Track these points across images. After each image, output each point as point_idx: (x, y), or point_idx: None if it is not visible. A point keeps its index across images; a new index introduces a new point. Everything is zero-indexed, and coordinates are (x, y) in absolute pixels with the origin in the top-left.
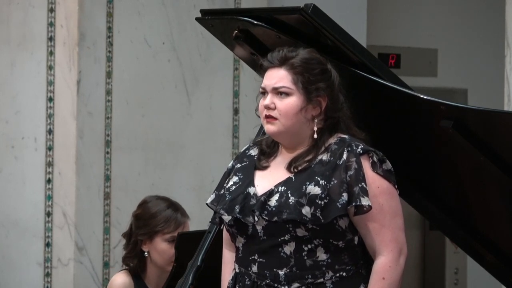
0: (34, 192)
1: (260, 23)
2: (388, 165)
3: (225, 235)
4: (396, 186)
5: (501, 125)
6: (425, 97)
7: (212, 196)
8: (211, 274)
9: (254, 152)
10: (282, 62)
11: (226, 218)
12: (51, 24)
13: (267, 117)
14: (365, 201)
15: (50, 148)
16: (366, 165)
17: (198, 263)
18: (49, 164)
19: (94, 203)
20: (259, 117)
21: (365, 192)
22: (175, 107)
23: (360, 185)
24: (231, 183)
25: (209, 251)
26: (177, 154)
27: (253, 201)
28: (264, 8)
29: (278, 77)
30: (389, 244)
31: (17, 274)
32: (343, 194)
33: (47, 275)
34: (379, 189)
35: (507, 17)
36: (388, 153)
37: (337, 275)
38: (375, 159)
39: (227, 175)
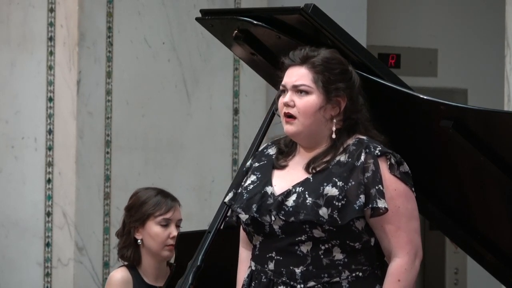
0: (34, 192)
1: (260, 23)
2: (405, 167)
3: (242, 233)
4: (413, 189)
5: (501, 125)
6: (425, 97)
7: (230, 194)
8: (211, 274)
9: (272, 151)
10: (304, 61)
11: (243, 217)
12: (51, 24)
13: (286, 116)
14: (381, 203)
15: (50, 148)
16: (383, 167)
17: (198, 263)
18: (49, 164)
19: (94, 203)
20: (279, 116)
21: (381, 194)
22: (175, 107)
23: (377, 187)
24: (248, 182)
25: (209, 251)
26: (177, 154)
27: (271, 201)
28: (264, 8)
29: (298, 75)
30: (405, 246)
31: (17, 274)
32: (361, 196)
33: (47, 275)
34: (396, 192)
35: (507, 17)
36: None
37: (353, 274)
38: (392, 161)
39: (245, 173)
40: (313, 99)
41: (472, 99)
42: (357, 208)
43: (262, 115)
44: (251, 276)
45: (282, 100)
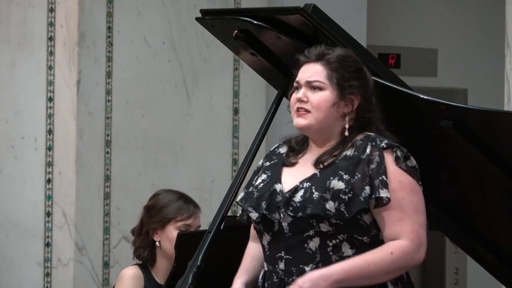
0: (34, 192)
1: (260, 23)
2: (412, 161)
3: (252, 231)
4: (420, 183)
5: (501, 125)
6: (425, 97)
7: (242, 194)
8: (211, 274)
9: (283, 150)
10: (319, 58)
11: (253, 215)
12: (51, 24)
13: (299, 110)
14: (384, 193)
15: (50, 148)
16: (389, 159)
17: (198, 263)
18: (49, 164)
19: (94, 203)
20: (290, 112)
21: (384, 185)
22: (175, 107)
23: (380, 178)
24: (259, 180)
25: (209, 251)
26: (177, 154)
27: (279, 198)
28: (264, 8)
29: (313, 71)
30: (409, 233)
31: (17, 274)
32: (366, 187)
33: (47, 275)
34: (400, 184)
35: (507, 17)
36: None
37: None
38: (398, 154)
39: (256, 172)
40: (326, 95)
41: (472, 99)
42: (362, 199)
43: (262, 115)
44: (264, 277)
45: (295, 96)
